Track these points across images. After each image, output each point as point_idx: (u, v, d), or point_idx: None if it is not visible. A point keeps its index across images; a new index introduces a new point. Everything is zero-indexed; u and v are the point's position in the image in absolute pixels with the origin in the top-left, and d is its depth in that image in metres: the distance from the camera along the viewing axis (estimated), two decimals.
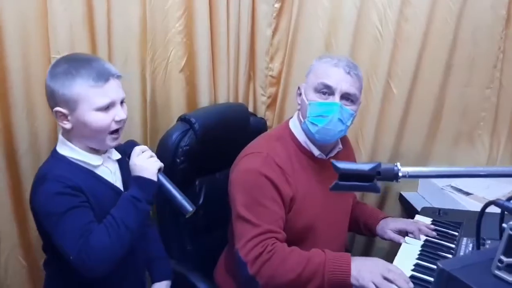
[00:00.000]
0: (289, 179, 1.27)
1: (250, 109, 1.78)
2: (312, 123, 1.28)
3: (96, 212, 1.10)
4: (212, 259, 1.48)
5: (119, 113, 1.12)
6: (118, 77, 1.13)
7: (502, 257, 0.67)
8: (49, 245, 1.14)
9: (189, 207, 1.12)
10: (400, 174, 0.78)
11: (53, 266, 1.22)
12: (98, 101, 1.08)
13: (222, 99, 1.70)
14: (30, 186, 1.42)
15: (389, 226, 1.45)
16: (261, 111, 1.80)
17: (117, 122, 1.12)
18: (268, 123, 1.80)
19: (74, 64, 1.09)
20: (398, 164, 0.79)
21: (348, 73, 1.27)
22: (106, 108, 1.10)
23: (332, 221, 1.37)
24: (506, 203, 0.74)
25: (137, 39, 1.53)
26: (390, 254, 1.50)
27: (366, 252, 1.99)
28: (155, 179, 1.13)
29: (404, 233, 1.43)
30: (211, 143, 1.48)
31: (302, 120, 1.32)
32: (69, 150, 1.14)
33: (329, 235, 1.36)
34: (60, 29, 1.40)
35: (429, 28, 1.73)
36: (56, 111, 1.10)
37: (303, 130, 1.33)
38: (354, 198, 1.56)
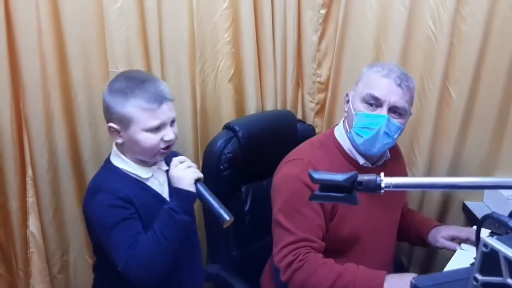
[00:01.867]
0: None
1: (299, 116, 1.78)
2: (358, 134, 1.25)
3: (144, 222, 1.16)
4: (258, 265, 1.48)
5: (168, 133, 1.16)
6: (171, 100, 1.18)
7: (477, 275, 0.60)
8: (99, 250, 1.22)
9: (226, 216, 1.11)
10: (383, 185, 0.74)
11: (102, 270, 1.30)
12: (149, 122, 1.13)
13: (269, 106, 1.71)
14: None
15: (441, 233, 1.38)
16: (310, 118, 1.78)
17: (166, 141, 1.17)
18: (317, 130, 1.78)
19: (130, 83, 1.14)
20: (382, 174, 0.75)
21: (399, 85, 1.22)
22: (156, 129, 1.15)
23: (378, 231, 1.33)
24: (502, 217, 0.66)
25: (187, 50, 1.58)
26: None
27: (428, 263, 1.89)
28: (192, 189, 1.14)
29: (458, 242, 1.35)
30: (255, 150, 1.49)
31: (348, 129, 1.28)
32: (121, 161, 1.20)
33: (376, 245, 1.32)
34: (116, 43, 1.48)
35: (489, 26, 1.61)
36: (110, 127, 1.18)
37: (349, 138, 1.29)
38: (405, 206, 1.51)
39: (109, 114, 1.17)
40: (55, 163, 1.52)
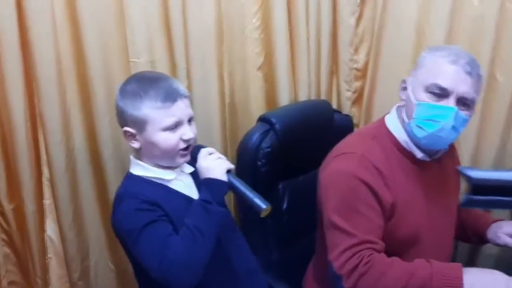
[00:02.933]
0: (388, 183, 1.15)
1: (334, 105, 1.71)
2: (419, 127, 1.14)
3: (175, 225, 1.10)
4: (299, 267, 1.43)
5: (187, 132, 1.13)
6: (186, 96, 1.15)
7: None
8: (139, 271, 1.16)
9: (262, 205, 1.07)
10: None
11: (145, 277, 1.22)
12: (165, 121, 1.10)
13: (303, 96, 1.65)
14: (115, 191, 1.49)
15: (503, 229, 1.29)
16: (346, 108, 1.71)
17: (185, 140, 1.13)
18: (355, 121, 1.71)
19: (142, 84, 1.12)
20: None
21: (469, 73, 1.10)
22: (174, 127, 1.12)
23: (438, 230, 1.24)
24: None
25: (213, 38, 1.51)
26: (499, 262, 1.34)
27: (472, 261, 1.80)
28: (224, 179, 1.10)
29: None
30: (293, 143, 1.43)
31: (406, 120, 1.19)
32: (142, 169, 1.17)
33: (435, 247, 1.23)
34: (137, 31, 1.41)
35: None
36: (125, 131, 1.14)
37: (406, 130, 1.20)
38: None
39: (124, 118, 1.14)
40: (73, 163, 1.47)
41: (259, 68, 1.59)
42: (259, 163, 1.37)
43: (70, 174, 1.46)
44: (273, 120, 1.40)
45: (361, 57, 1.67)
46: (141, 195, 1.09)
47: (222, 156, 1.15)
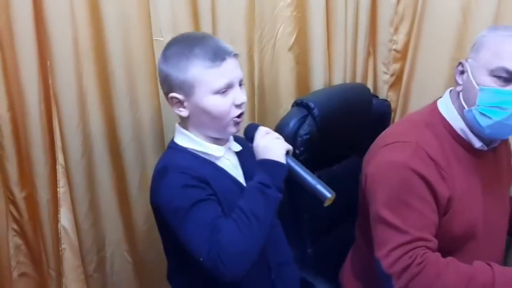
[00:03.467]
0: (444, 175, 1.09)
1: (370, 89, 1.62)
2: (483, 114, 1.07)
3: (222, 207, 1.03)
4: (334, 260, 1.38)
5: (239, 95, 1.05)
6: (235, 55, 1.07)
7: None
8: (173, 249, 1.10)
9: (327, 193, 1.00)
10: None
11: (178, 279, 1.16)
12: (215, 83, 1.02)
13: (337, 79, 1.57)
14: (134, 179, 1.45)
15: None
16: (383, 92, 1.64)
17: (237, 106, 1.06)
18: (392, 105, 1.64)
19: (187, 44, 1.04)
20: None
21: None
22: (225, 91, 1.04)
23: (493, 225, 1.18)
24: None
25: (243, 15, 1.43)
26: None
27: None
28: (283, 161, 1.04)
29: None
30: (332, 130, 1.36)
31: (465, 106, 1.11)
32: (188, 140, 1.09)
33: (489, 242, 1.18)
34: (161, 10, 1.34)
35: None
36: (171, 97, 1.06)
37: (466, 118, 1.13)
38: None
39: (169, 83, 1.06)
40: (90, 149, 1.41)
41: (290, 49, 1.53)
42: (297, 151, 1.30)
43: (86, 161, 1.41)
44: (311, 105, 1.33)
45: (400, 37, 1.58)
46: (189, 169, 1.02)
47: (280, 136, 1.08)
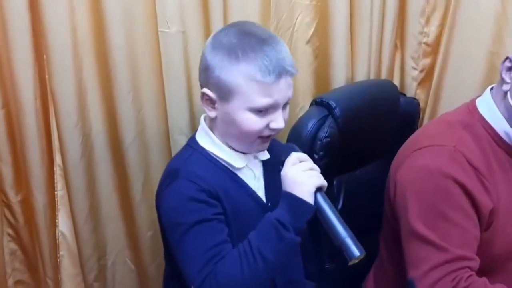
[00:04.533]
0: (486, 184, 1.02)
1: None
2: None
3: (232, 226, 0.97)
4: (356, 277, 1.31)
5: (278, 120, 0.97)
6: (292, 74, 0.97)
7: None
8: (169, 256, 1.06)
9: (356, 250, 0.88)
10: None
11: (172, 284, 1.12)
12: (257, 100, 0.94)
13: (361, 75, 1.51)
14: (138, 182, 1.41)
15: None
16: (411, 89, 1.57)
17: (272, 129, 0.98)
18: (421, 104, 1.57)
19: (245, 41, 0.94)
20: None
21: None
22: (265, 110, 0.96)
23: None
24: None
25: (257, 4, 1.37)
26: None
27: None
28: (311, 201, 0.92)
29: None
30: (355, 132, 1.29)
31: None
32: (210, 142, 1.03)
33: None
34: None
35: None
36: (204, 93, 0.99)
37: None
38: None
39: (207, 77, 0.98)
40: (90, 149, 1.38)
41: (308, 41, 1.46)
42: (315, 155, 1.23)
43: (85, 162, 1.38)
44: (333, 104, 1.26)
45: (432, 29, 1.51)
46: (201, 179, 0.96)
47: (315, 167, 0.98)
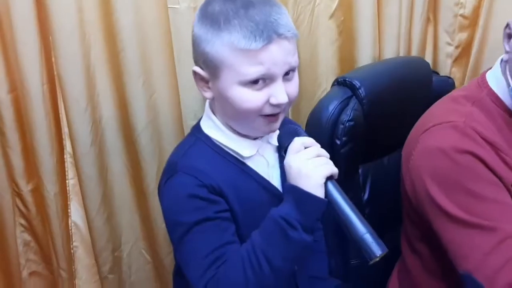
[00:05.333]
0: (506, 158, 0.95)
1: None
2: None
3: (241, 223, 0.91)
4: (383, 274, 1.26)
5: (278, 93, 0.86)
6: (288, 37, 0.86)
7: None
8: None
9: (378, 248, 0.80)
10: None
11: (179, 280, 1.08)
12: (245, 71, 0.84)
13: (389, 52, 1.44)
14: (151, 170, 1.38)
15: None
16: (446, 67, 1.51)
17: (273, 105, 0.87)
18: (456, 84, 1.50)
19: (229, 7, 0.85)
20: None
21: None
22: (257, 82, 0.85)
23: None
24: None
25: None
26: None
27: None
28: (321, 193, 0.83)
29: None
30: (382, 115, 1.22)
31: (510, 82, 0.98)
32: (215, 129, 0.95)
33: None
34: None
35: None
36: (195, 72, 0.91)
37: (510, 97, 0.99)
38: None
39: (196, 53, 0.91)
40: (101, 136, 1.36)
41: (331, 16, 1.40)
42: (337, 141, 1.16)
43: (96, 149, 1.36)
44: (357, 84, 1.18)
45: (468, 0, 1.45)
46: (201, 173, 0.88)
47: (323, 152, 0.88)
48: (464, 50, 1.49)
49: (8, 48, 1.24)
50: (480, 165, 0.93)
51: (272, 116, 0.89)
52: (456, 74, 1.53)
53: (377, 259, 0.81)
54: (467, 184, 0.93)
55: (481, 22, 1.42)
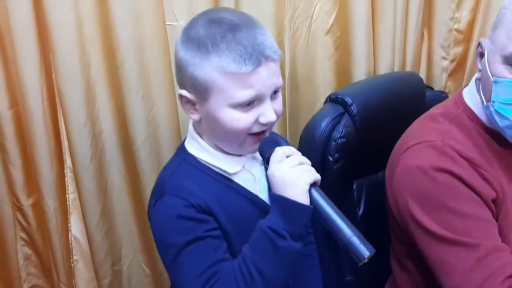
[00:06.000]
0: (485, 174, 0.97)
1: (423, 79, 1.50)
2: (499, 113, 0.95)
3: (232, 240, 0.92)
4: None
5: (267, 112, 0.88)
6: (274, 59, 0.88)
7: None
8: None
9: (365, 250, 0.81)
10: None
11: None
12: (237, 95, 0.86)
13: (384, 67, 1.46)
14: (150, 183, 1.39)
15: None
16: (440, 82, 1.52)
17: (262, 124, 0.90)
18: None
19: (214, 30, 0.86)
20: None
21: None
22: (249, 104, 0.88)
23: None
24: None
25: None
26: None
27: None
28: (306, 201, 0.85)
29: None
30: (375, 132, 1.23)
31: (484, 101, 0.99)
32: (199, 149, 0.96)
33: None
34: None
35: None
36: (181, 95, 0.92)
37: (486, 114, 1.01)
38: None
39: (181, 76, 0.91)
40: (100, 150, 1.37)
41: (328, 32, 1.42)
42: (330, 158, 1.18)
43: (96, 164, 1.37)
44: (349, 101, 1.20)
45: (464, 14, 1.46)
46: (188, 193, 0.89)
47: (305, 160, 0.90)
48: (459, 64, 1.51)
49: (9, 64, 1.26)
50: (458, 183, 0.94)
51: (260, 134, 0.91)
52: (451, 88, 1.53)
53: (366, 260, 0.82)
54: (448, 202, 0.94)
55: (475, 36, 1.43)
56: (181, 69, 0.90)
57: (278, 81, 0.90)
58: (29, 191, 1.40)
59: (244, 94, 0.86)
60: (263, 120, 0.89)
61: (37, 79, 1.26)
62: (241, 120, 0.88)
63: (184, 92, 0.91)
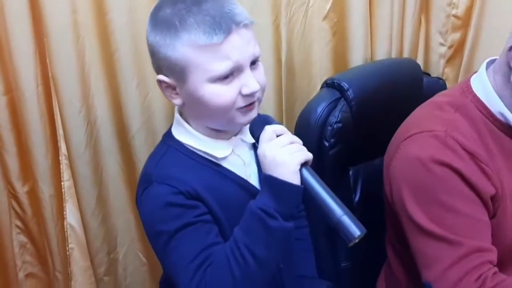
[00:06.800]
0: (486, 169, 0.96)
1: (420, 65, 1.50)
2: None
3: (223, 224, 0.91)
4: (373, 276, 1.26)
5: (248, 82, 0.86)
6: (247, 25, 0.85)
7: None
8: None
9: (356, 229, 0.80)
10: None
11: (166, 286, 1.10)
12: (214, 67, 0.84)
13: (381, 53, 1.46)
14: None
15: None
16: (438, 68, 1.52)
17: (246, 96, 0.87)
18: (448, 85, 1.50)
19: (178, 8, 0.84)
20: None
21: None
22: (227, 77, 0.85)
23: None
24: None
25: None
26: None
27: None
28: (296, 180, 0.84)
29: None
30: (371, 117, 1.23)
31: None
32: (186, 134, 0.94)
33: None
34: None
35: None
36: (159, 81, 0.90)
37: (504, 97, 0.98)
38: None
39: (156, 60, 0.90)
40: (95, 137, 1.37)
41: (325, 17, 1.41)
42: (326, 143, 1.18)
43: (91, 151, 1.37)
44: (345, 86, 1.19)
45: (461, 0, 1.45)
46: (176, 180, 0.88)
47: (296, 139, 0.88)
48: (457, 51, 1.50)
49: (3, 50, 1.24)
50: (456, 178, 0.93)
51: (248, 106, 0.89)
52: (449, 74, 1.53)
53: (356, 240, 0.81)
54: (441, 196, 0.94)
55: (473, 22, 1.42)
56: (154, 54, 0.89)
57: (256, 50, 0.87)
58: (24, 178, 1.39)
59: (221, 66, 0.83)
60: (246, 90, 0.86)
61: (32, 65, 1.25)
62: (223, 94, 0.86)
63: (161, 77, 0.89)
